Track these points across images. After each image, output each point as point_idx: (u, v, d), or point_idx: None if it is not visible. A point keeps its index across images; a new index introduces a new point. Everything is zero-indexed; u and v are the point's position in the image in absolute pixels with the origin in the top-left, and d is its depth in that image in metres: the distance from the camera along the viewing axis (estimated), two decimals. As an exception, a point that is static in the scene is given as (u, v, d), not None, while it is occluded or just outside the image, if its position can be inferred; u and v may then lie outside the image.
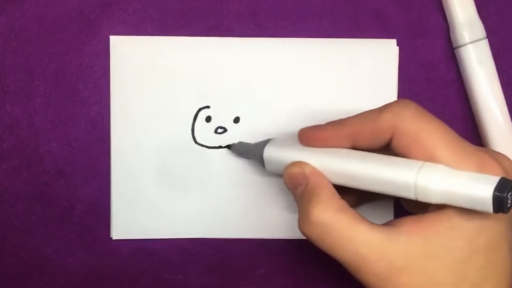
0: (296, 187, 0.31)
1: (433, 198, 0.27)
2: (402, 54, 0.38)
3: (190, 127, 0.37)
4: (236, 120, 0.38)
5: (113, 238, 0.38)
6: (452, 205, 0.27)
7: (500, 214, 0.26)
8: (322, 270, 0.39)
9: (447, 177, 0.27)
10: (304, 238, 0.38)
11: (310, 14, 0.38)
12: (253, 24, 0.38)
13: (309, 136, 0.32)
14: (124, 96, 0.37)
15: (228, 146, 0.37)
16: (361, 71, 0.38)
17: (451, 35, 0.38)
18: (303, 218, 0.30)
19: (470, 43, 0.37)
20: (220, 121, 0.38)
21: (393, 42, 0.38)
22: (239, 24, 0.38)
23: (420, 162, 0.28)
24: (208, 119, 0.38)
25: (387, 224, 0.29)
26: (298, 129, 0.37)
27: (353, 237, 0.28)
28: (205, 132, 0.38)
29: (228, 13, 0.38)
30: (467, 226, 0.28)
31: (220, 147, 0.38)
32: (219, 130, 0.38)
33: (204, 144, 0.38)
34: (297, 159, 0.32)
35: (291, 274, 0.39)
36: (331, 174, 0.30)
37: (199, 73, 0.37)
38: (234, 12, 0.38)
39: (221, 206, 0.38)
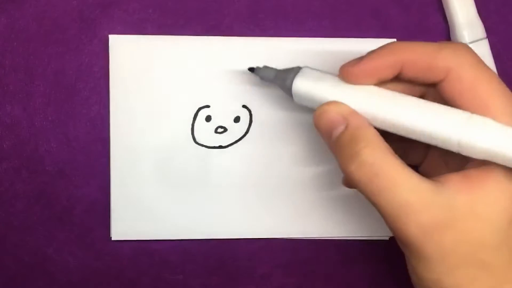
0: (333, 129, 0.29)
1: (478, 154, 0.26)
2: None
3: (190, 126, 0.37)
4: (236, 119, 0.38)
5: (113, 239, 0.37)
6: (496, 162, 0.26)
7: None
8: (322, 270, 0.39)
9: (496, 133, 0.26)
10: (304, 238, 0.38)
11: (310, 14, 0.38)
12: (253, 24, 0.38)
13: (355, 73, 0.29)
14: (124, 96, 0.37)
15: (252, 69, 0.35)
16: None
17: (451, 35, 0.38)
18: (350, 158, 0.27)
19: (470, 43, 0.37)
20: (220, 121, 0.38)
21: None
22: (239, 24, 0.38)
23: (468, 114, 0.27)
24: (208, 118, 0.38)
25: (432, 179, 0.27)
26: (298, 128, 0.37)
27: (403, 183, 0.27)
28: (205, 132, 0.38)
29: (228, 13, 0.38)
30: None
31: (220, 147, 0.38)
32: (219, 130, 0.38)
33: (204, 144, 0.38)
34: (330, 97, 0.29)
35: (291, 274, 0.39)
36: (370, 117, 0.29)
37: (199, 73, 0.37)
38: (234, 12, 0.38)
39: (221, 206, 0.38)
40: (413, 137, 0.28)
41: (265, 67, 0.34)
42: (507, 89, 0.28)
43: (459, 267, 0.27)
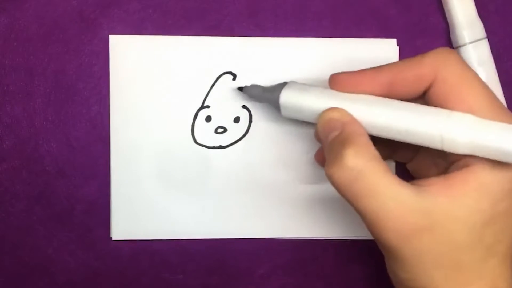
0: (330, 132, 0.30)
1: (461, 148, 0.27)
2: (402, 54, 0.38)
3: (190, 127, 0.37)
4: (236, 120, 0.38)
5: (113, 239, 0.38)
6: (480, 156, 0.26)
7: None
8: (322, 270, 0.39)
9: (476, 127, 0.26)
10: (304, 238, 0.38)
11: (310, 14, 0.38)
12: (253, 24, 0.38)
13: (342, 81, 0.31)
14: (124, 96, 0.37)
15: (240, 89, 0.36)
16: (361, 71, 0.38)
17: (451, 35, 0.38)
18: (333, 161, 0.28)
19: (470, 43, 0.37)
20: (220, 121, 0.38)
21: (393, 42, 0.38)
22: (239, 24, 0.38)
23: (448, 111, 0.27)
24: (208, 119, 0.38)
25: (413, 182, 0.28)
26: (298, 128, 0.37)
27: (382, 189, 0.27)
28: (205, 132, 0.38)
29: (228, 13, 0.38)
30: (493, 189, 0.27)
31: (220, 147, 0.38)
32: (219, 130, 0.38)
33: (204, 144, 0.38)
34: (318, 105, 0.31)
35: (291, 274, 0.39)
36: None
37: (199, 73, 0.37)
38: (234, 12, 0.38)
39: (221, 206, 0.38)
40: (400, 138, 0.29)
41: (253, 86, 0.36)
42: (489, 89, 0.29)
43: (434, 268, 0.28)
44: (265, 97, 0.35)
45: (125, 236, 0.38)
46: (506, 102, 0.38)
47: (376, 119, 0.29)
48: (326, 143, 0.30)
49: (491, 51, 0.37)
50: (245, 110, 0.38)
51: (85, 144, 0.37)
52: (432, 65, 0.29)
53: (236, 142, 0.38)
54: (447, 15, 0.38)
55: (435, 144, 0.27)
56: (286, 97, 0.32)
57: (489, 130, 0.26)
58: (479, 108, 0.27)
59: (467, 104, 0.28)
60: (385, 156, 0.35)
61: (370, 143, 0.28)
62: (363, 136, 0.29)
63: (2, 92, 0.37)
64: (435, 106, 0.29)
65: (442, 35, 0.39)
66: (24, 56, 0.37)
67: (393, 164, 0.38)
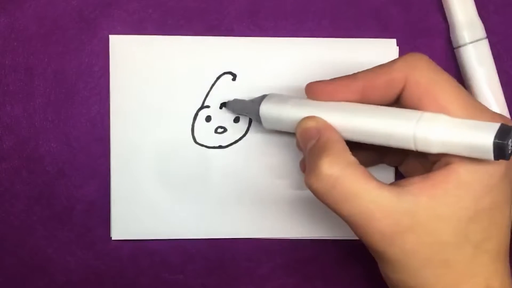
0: (308, 142, 0.30)
1: (434, 147, 0.27)
2: (402, 54, 0.38)
3: (190, 126, 0.37)
4: (236, 120, 0.38)
5: (113, 239, 0.38)
6: (453, 154, 0.27)
7: (504, 174, 0.27)
8: (322, 270, 0.39)
9: (447, 125, 0.27)
10: (304, 238, 0.38)
11: (310, 14, 0.38)
12: (253, 24, 0.38)
13: (318, 89, 0.31)
14: (124, 96, 0.37)
15: (224, 104, 0.37)
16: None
17: (451, 35, 0.38)
18: (311, 170, 0.29)
19: (470, 43, 0.37)
20: (220, 121, 0.38)
21: (393, 42, 0.38)
22: (239, 24, 0.38)
23: (420, 112, 0.28)
24: (208, 119, 0.38)
25: (395, 183, 0.29)
26: (298, 128, 0.37)
27: (361, 193, 0.28)
28: (205, 132, 0.38)
29: (228, 13, 0.38)
30: (474, 185, 0.27)
31: (220, 147, 0.38)
32: (219, 130, 0.38)
33: (204, 144, 0.38)
34: (295, 114, 0.31)
35: (291, 274, 0.39)
36: (334, 128, 0.30)
37: (199, 73, 0.37)
38: (234, 12, 0.38)
39: (221, 206, 0.38)
40: (375, 141, 0.29)
41: (235, 100, 0.36)
42: (463, 89, 0.29)
43: (423, 268, 0.28)
44: (247, 110, 0.35)
45: (125, 236, 0.38)
46: (506, 102, 0.38)
47: (351, 124, 0.30)
48: (305, 152, 0.31)
49: (491, 51, 0.37)
50: (245, 110, 0.38)
51: (85, 144, 0.37)
52: (403, 69, 0.29)
53: (236, 142, 0.38)
54: (447, 15, 0.38)
55: (409, 144, 0.28)
56: (266, 109, 0.33)
57: (461, 128, 0.26)
58: (452, 108, 0.28)
59: (440, 104, 0.28)
60: (375, 161, 0.36)
61: (346, 149, 0.29)
62: (339, 143, 0.29)
63: (2, 92, 0.37)
64: (409, 107, 0.29)
65: (442, 35, 0.39)
66: (24, 56, 0.37)
67: (393, 169, 0.38)
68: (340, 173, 0.28)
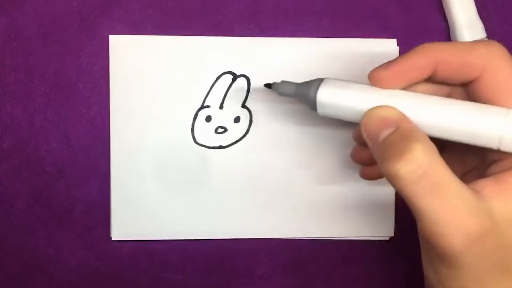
0: (382, 131, 0.28)
1: None
2: (402, 54, 0.38)
3: (190, 127, 0.37)
4: (236, 120, 0.38)
5: (113, 239, 0.38)
6: None
7: None
8: (322, 270, 0.39)
9: None
10: (304, 238, 0.38)
11: (310, 14, 0.38)
12: (253, 24, 0.38)
13: (385, 75, 0.29)
14: (124, 96, 0.37)
15: (268, 85, 0.34)
16: (361, 71, 0.38)
17: (451, 35, 0.38)
18: (398, 155, 0.26)
19: (470, 43, 0.37)
20: (220, 121, 0.38)
21: (393, 42, 0.38)
22: (239, 24, 0.38)
23: (505, 110, 0.26)
24: (208, 119, 0.38)
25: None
26: (298, 128, 0.37)
27: (450, 187, 0.25)
28: (205, 132, 0.38)
29: (228, 13, 0.38)
30: None
31: (220, 147, 0.38)
32: (219, 130, 0.38)
33: (204, 144, 0.38)
34: (360, 103, 0.29)
35: (291, 274, 0.39)
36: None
37: (199, 73, 0.37)
38: (234, 12, 0.38)
39: (221, 206, 0.38)
40: (454, 138, 0.28)
41: (283, 82, 0.33)
42: None
43: (489, 274, 0.27)
44: (298, 94, 0.32)
45: (125, 236, 0.38)
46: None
47: (430, 119, 0.28)
48: (376, 142, 0.28)
49: (491, 51, 0.37)
50: (245, 110, 0.38)
51: (85, 144, 0.37)
52: (483, 55, 0.27)
53: (236, 142, 0.38)
54: (447, 15, 0.38)
55: (492, 144, 0.26)
56: (325, 95, 0.30)
57: None
58: None
59: None
60: None
61: (431, 141, 0.27)
62: (422, 132, 0.27)
63: (2, 92, 0.37)
64: (479, 98, 0.28)
65: (442, 35, 0.39)
66: (24, 56, 0.37)
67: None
68: (432, 162, 0.26)
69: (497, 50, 0.28)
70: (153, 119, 0.37)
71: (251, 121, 0.38)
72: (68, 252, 0.38)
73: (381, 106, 0.28)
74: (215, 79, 0.37)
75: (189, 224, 0.38)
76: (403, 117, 0.28)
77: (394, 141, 0.27)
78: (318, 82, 0.31)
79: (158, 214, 0.37)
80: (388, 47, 0.38)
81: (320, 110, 0.31)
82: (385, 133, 0.28)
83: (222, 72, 0.37)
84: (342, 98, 0.30)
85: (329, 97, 0.30)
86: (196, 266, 0.38)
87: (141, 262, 0.38)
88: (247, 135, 0.38)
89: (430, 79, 0.29)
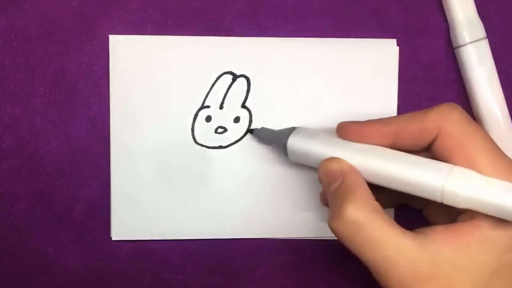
0: (331, 183, 0.31)
1: (461, 203, 0.27)
2: (402, 54, 0.38)
3: (190, 127, 0.37)
4: (236, 120, 0.38)
5: (113, 239, 0.38)
6: (479, 211, 0.27)
7: None
8: (322, 270, 0.39)
9: (476, 183, 0.27)
10: (304, 238, 0.38)
11: (310, 14, 0.38)
12: (253, 24, 0.38)
13: (349, 130, 0.32)
14: (124, 96, 0.37)
15: (250, 131, 0.37)
16: (361, 71, 0.38)
17: (451, 35, 0.38)
18: (335, 214, 0.29)
19: (470, 43, 0.37)
20: (220, 121, 0.38)
21: (393, 42, 0.38)
22: (239, 24, 0.38)
23: (450, 165, 0.28)
24: (208, 119, 0.38)
25: (417, 231, 0.29)
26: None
27: (384, 240, 0.28)
28: (205, 132, 0.38)
29: (228, 13, 0.38)
30: (498, 241, 0.27)
31: (220, 147, 0.38)
32: (219, 130, 0.38)
33: (204, 144, 0.38)
34: (323, 152, 0.32)
35: (291, 274, 0.39)
36: (360, 171, 0.30)
37: (199, 73, 0.37)
38: (234, 12, 0.38)
39: (221, 206, 0.38)
40: (401, 189, 0.29)
41: (262, 128, 0.37)
42: (495, 145, 0.29)
43: None
44: (274, 141, 0.35)
45: (125, 236, 0.38)
46: (506, 102, 0.38)
47: (378, 169, 0.30)
48: (328, 192, 0.31)
49: (491, 51, 0.37)
50: (245, 110, 0.38)
51: (85, 144, 0.37)
52: (437, 120, 0.29)
53: (236, 142, 0.38)
54: (447, 15, 0.38)
55: (435, 196, 0.28)
56: (293, 143, 0.33)
57: (490, 187, 0.26)
58: (482, 164, 0.28)
59: (470, 159, 0.28)
60: (398, 202, 0.36)
61: (370, 195, 0.29)
62: (363, 188, 0.30)
63: (2, 92, 0.37)
64: (439, 159, 0.29)
65: (442, 35, 0.39)
66: (24, 56, 0.37)
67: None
68: (365, 219, 0.28)
69: (450, 112, 0.29)
70: (153, 119, 0.37)
71: (251, 121, 0.38)
72: (68, 252, 0.38)
73: (332, 159, 0.31)
74: (215, 79, 0.37)
75: (189, 224, 0.38)
76: (349, 170, 0.30)
77: (335, 198, 0.30)
78: (290, 130, 0.34)
79: (158, 214, 0.37)
80: (388, 47, 0.38)
81: (290, 156, 0.34)
82: (333, 186, 0.31)
83: (222, 72, 0.37)
84: (308, 148, 0.33)
85: (297, 146, 0.33)
86: (196, 266, 0.38)
87: (141, 262, 0.38)
88: (247, 135, 0.38)
89: (397, 147, 0.31)
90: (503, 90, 0.38)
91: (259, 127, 0.37)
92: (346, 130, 0.32)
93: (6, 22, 0.37)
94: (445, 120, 0.29)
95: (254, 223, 0.38)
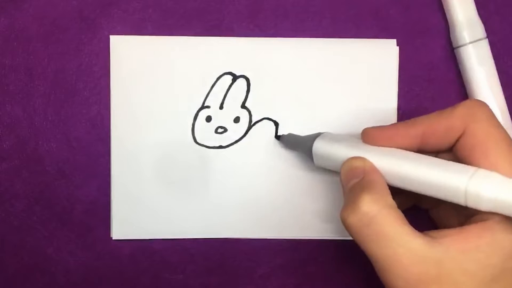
0: (351, 179, 0.31)
1: (484, 205, 0.27)
2: (402, 54, 0.38)
3: (190, 127, 0.37)
4: (236, 120, 0.38)
5: (113, 238, 0.38)
6: (503, 214, 0.27)
7: None
8: (322, 270, 0.39)
9: (500, 185, 0.26)
10: (304, 238, 0.38)
11: (310, 14, 0.38)
12: (253, 24, 0.38)
13: (377, 136, 0.31)
14: (124, 96, 0.37)
15: (278, 137, 0.37)
16: (361, 71, 0.38)
17: (451, 35, 0.38)
18: (349, 205, 0.29)
19: (470, 43, 0.37)
20: (220, 121, 0.38)
21: (393, 42, 0.38)
22: (239, 24, 0.38)
23: (474, 168, 0.28)
24: (208, 119, 0.38)
25: (427, 233, 0.29)
26: (298, 128, 0.37)
27: (394, 236, 0.28)
28: (205, 132, 0.38)
29: (228, 13, 0.38)
30: (506, 245, 0.28)
31: (220, 147, 0.38)
32: (219, 130, 0.38)
33: (204, 144, 0.38)
34: (348, 156, 0.32)
35: (291, 274, 0.39)
36: (383, 174, 0.30)
37: (199, 73, 0.37)
38: (234, 12, 0.38)
39: (221, 206, 0.38)
40: (424, 191, 0.29)
41: (289, 135, 0.37)
42: None
43: None
44: (299, 146, 0.36)
45: (125, 236, 0.38)
46: (506, 102, 0.38)
47: (401, 172, 0.30)
48: (346, 189, 0.31)
49: (491, 51, 0.37)
50: (245, 110, 0.38)
51: (85, 144, 0.37)
52: (463, 116, 0.29)
53: (236, 142, 0.38)
54: (447, 15, 0.38)
55: (459, 199, 0.28)
56: (319, 147, 0.34)
57: None
58: (504, 166, 0.28)
59: (493, 161, 0.28)
60: (410, 203, 0.36)
61: (388, 192, 0.29)
62: (382, 184, 0.30)
63: (2, 92, 0.37)
64: (461, 158, 0.29)
65: (442, 35, 0.39)
66: (24, 56, 0.37)
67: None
68: (378, 213, 0.28)
69: (476, 110, 0.29)
70: (153, 119, 0.37)
71: (251, 121, 0.38)
72: (68, 252, 0.38)
73: (356, 157, 0.31)
74: (215, 79, 0.37)
75: (189, 224, 0.38)
76: (371, 169, 0.30)
77: (352, 191, 0.30)
78: (316, 135, 0.34)
79: (158, 214, 0.38)
80: (388, 47, 0.38)
81: (316, 161, 0.34)
82: (352, 182, 0.30)
83: (222, 72, 0.37)
84: (333, 152, 0.33)
85: (322, 150, 0.33)
86: (196, 266, 0.38)
87: (141, 262, 0.38)
88: (247, 135, 0.38)
89: (422, 151, 0.31)
90: (503, 90, 0.38)
91: (285, 133, 0.37)
92: (373, 136, 0.32)
93: (6, 22, 0.37)
94: (471, 116, 0.29)
95: (254, 223, 0.38)
